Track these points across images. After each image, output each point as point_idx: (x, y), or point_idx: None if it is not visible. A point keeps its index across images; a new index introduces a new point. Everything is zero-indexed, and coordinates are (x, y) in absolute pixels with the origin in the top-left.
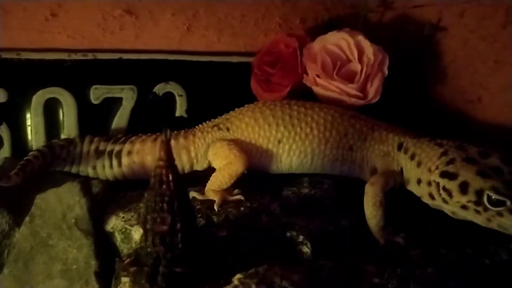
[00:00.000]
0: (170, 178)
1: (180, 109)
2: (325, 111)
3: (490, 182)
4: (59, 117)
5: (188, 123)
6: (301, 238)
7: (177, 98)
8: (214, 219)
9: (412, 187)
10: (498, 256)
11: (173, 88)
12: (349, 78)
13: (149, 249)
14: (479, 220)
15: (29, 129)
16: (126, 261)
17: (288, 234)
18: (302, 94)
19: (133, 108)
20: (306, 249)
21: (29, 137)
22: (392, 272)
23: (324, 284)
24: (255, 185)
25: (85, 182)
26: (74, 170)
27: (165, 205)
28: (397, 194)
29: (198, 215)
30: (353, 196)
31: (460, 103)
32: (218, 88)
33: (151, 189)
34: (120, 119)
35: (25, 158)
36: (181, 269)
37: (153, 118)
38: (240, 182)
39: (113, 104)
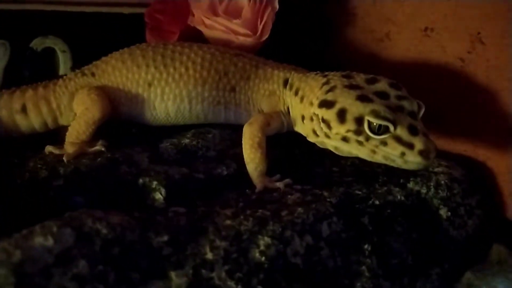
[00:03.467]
0: None
1: (64, 67)
2: (204, 50)
3: (370, 107)
4: None
5: None
6: (154, 184)
7: (60, 54)
8: (60, 171)
9: (299, 127)
10: (392, 197)
11: (54, 43)
12: (237, 15)
13: None
14: (364, 153)
15: None
16: None
17: (141, 180)
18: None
19: (6, 66)
20: (159, 196)
21: None
22: (249, 215)
23: (154, 225)
24: (134, 139)
25: None
26: None
27: None
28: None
29: (41, 166)
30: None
31: (370, 43)
32: (109, 43)
33: None
34: None
35: None
36: None
37: (31, 77)
38: (115, 138)
39: None
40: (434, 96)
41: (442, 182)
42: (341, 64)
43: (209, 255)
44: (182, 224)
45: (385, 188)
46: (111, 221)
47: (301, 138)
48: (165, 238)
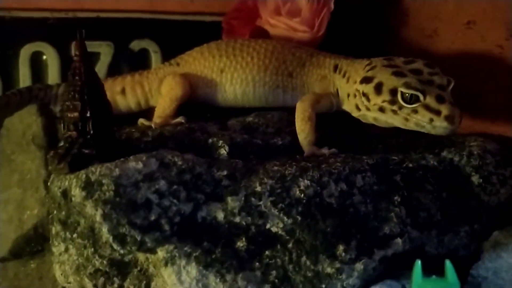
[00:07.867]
0: (82, 70)
1: (155, 64)
2: (267, 43)
3: (403, 80)
4: (44, 69)
5: None
6: (220, 142)
7: (152, 54)
8: (149, 133)
9: (345, 104)
10: (425, 161)
11: (148, 44)
12: (297, 14)
13: (65, 135)
14: (398, 121)
15: (17, 79)
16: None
17: (210, 140)
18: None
19: (110, 63)
20: (223, 151)
21: (18, 86)
22: (294, 164)
23: (217, 164)
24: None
25: (43, 104)
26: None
27: (76, 94)
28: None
29: (134, 131)
30: None
31: (420, 39)
32: (192, 45)
33: (68, 81)
34: (98, 72)
35: (2, 94)
36: (89, 151)
37: (129, 72)
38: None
39: (92, 58)
40: (476, 82)
41: (475, 152)
42: None
43: (258, 188)
44: (239, 166)
45: (420, 155)
46: (185, 157)
47: (352, 121)
48: (225, 172)
